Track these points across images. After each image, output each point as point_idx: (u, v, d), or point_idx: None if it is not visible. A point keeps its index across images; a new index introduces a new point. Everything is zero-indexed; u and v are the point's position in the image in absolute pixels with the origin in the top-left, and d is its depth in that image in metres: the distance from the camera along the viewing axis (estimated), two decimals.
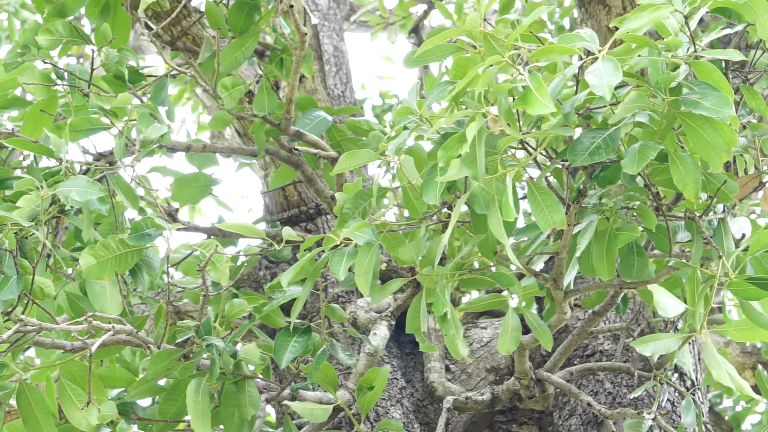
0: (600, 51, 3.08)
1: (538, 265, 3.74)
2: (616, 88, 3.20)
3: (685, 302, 3.37)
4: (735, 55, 3.14)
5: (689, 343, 4.61)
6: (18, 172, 4.04)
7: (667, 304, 3.21)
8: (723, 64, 3.56)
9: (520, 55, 3.15)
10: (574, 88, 3.18)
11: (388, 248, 3.60)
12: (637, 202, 3.43)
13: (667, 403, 4.46)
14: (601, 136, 3.12)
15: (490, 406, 4.48)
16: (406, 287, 4.63)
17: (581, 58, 3.14)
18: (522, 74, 3.05)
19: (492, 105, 3.11)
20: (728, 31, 3.29)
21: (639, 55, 3.15)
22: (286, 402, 3.95)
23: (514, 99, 3.08)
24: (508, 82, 3.05)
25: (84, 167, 4.10)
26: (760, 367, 4.44)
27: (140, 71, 4.46)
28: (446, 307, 3.43)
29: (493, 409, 4.54)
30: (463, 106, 3.22)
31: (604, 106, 3.19)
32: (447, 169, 3.10)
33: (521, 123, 3.22)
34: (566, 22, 7.09)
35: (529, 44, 3.22)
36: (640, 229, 3.49)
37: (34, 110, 4.31)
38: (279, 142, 4.72)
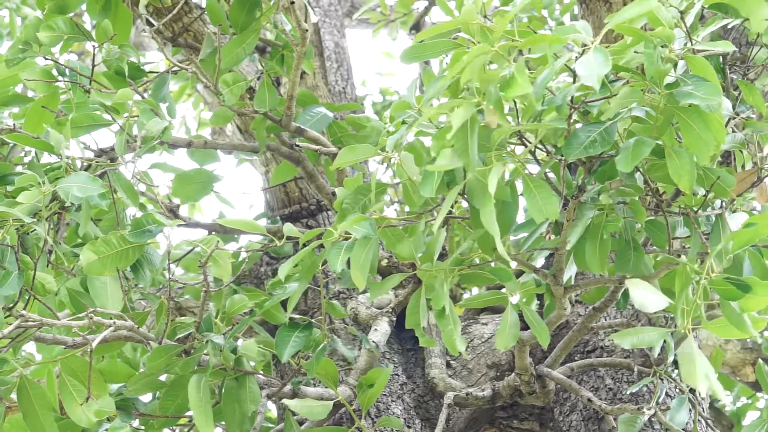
0: (592, 43, 3.08)
1: (539, 261, 3.74)
2: (612, 81, 3.20)
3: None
4: (726, 47, 3.15)
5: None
6: (19, 168, 4.05)
7: (644, 298, 3.19)
8: (720, 59, 3.56)
9: (514, 47, 3.15)
10: (571, 82, 3.18)
11: (388, 244, 3.60)
12: (633, 198, 3.43)
13: (668, 399, 4.46)
14: (597, 130, 3.12)
15: (490, 401, 4.48)
16: (407, 283, 4.63)
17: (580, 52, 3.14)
18: (512, 64, 3.05)
19: None
20: (726, 21, 3.30)
21: (636, 51, 3.16)
22: (284, 401, 3.96)
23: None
24: (495, 72, 3.05)
25: (85, 163, 4.11)
26: (760, 361, 4.44)
27: (141, 67, 4.47)
28: (444, 300, 3.42)
29: (494, 405, 4.55)
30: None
31: (600, 99, 3.20)
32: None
33: (520, 117, 3.23)
34: (566, 19, 7.09)
35: (524, 39, 3.21)
36: (637, 225, 3.50)
37: (35, 106, 4.32)
38: (280, 138, 4.72)
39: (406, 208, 3.69)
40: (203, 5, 4.77)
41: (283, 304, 4.19)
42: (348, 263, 3.41)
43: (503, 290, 3.77)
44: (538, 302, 5.16)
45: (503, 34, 3.13)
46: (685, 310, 3.26)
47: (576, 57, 3.09)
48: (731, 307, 3.26)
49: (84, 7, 4.56)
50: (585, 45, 3.11)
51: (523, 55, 3.21)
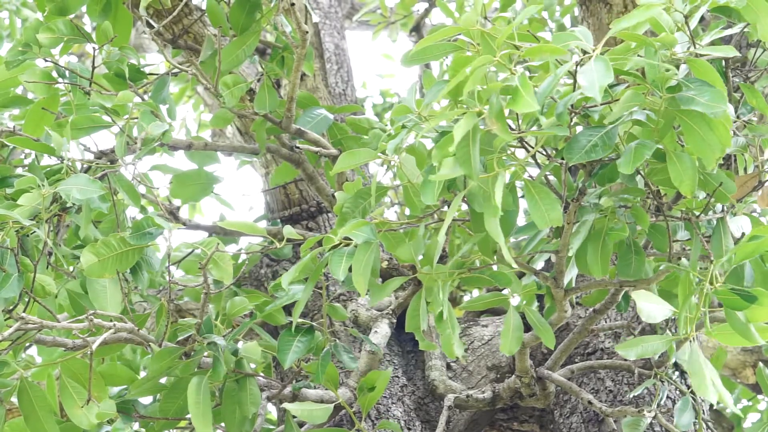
0: (594, 50, 3.07)
1: (539, 264, 3.74)
2: (612, 86, 3.20)
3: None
4: (730, 52, 3.14)
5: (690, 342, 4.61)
6: (19, 171, 4.04)
7: (650, 309, 3.18)
8: (723, 62, 3.56)
9: (516, 54, 3.14)
10: (571, 87, 3.17)
11: (389, 247, 3.60)
12: (635, 201, 3.42)
13: (668, 401, 4.46)
14: (598, 134, 3.12)
15: (491, 404, 4.48)
16: (408, 285, 4.63)
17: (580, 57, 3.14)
18: (514, 73, 3.04)
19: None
20: (729, 31, 3.29)
21: (639, 55, 3.15)
22: (285, 405, 3.96)
23: (507, 99, 3.07)
24: (498, 82, 3.05)
25: (85, 165, 4.10)
26: (761, 364, 4.43)
27: (141, 69, 4.46)
28: (441, 306, 3.42)
29: (494, 407, 4.55)
30: (464, 106, 3.21)
31: (601, 105, 3.19)
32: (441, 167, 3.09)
33: (520, 122, 3.22)
34: (567, 21, 7.09)
35: (526, 43, 3.21)
36: (638, 228, 3.49)
37: (35, 108, 4.32)
38: (280, 140, 4.72)
39: (407, 211, 3.69)
40: (203, 7, 4.77)
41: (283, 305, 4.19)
42: (350, 268, 3.41)
43: (504, 291, 3.77)
44: (538, 304, 5.16)
45: (504, 41, 3.12)
46: (688, 317, 3.26)
47: (578, 63, 3.08)
48: (736, 316, 3.26)
49: (84, 8, 4.56)
50: (586, 52, 3.10)
51: (526, 61, 3.21)
